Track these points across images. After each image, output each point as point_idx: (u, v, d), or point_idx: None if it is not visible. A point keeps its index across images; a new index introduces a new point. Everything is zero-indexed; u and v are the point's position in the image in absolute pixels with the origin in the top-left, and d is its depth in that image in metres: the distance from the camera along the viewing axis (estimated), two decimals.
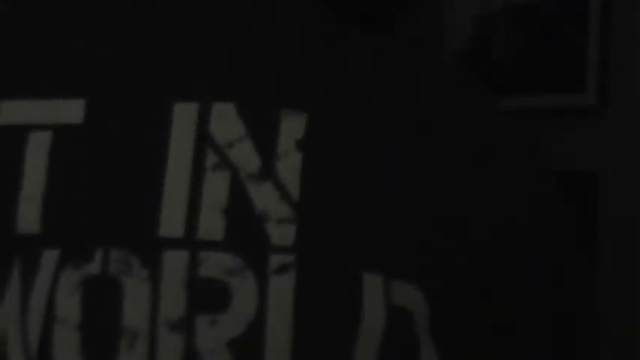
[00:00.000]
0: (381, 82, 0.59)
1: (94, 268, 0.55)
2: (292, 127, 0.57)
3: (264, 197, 0.56)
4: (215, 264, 0.55)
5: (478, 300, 0.58)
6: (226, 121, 0.57)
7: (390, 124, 0.58)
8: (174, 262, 0.55)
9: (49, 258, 0.55)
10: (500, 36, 2.49)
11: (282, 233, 0.55)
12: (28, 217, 0.56)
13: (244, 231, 0.55)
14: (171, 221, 0.55)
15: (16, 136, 0.57)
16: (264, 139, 0.56)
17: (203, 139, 0.56)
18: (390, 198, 0.56)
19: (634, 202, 2.26)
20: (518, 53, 2.44)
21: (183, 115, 0.57)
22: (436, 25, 2.65)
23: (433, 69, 0.61)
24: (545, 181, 0.61)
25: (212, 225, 0.55)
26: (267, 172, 0.56)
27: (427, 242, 0.56)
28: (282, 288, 0.54)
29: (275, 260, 0.55)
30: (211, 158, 0.56)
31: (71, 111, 0.58)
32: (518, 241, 0.59)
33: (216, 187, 0.56)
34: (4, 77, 0.60)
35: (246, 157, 0.56)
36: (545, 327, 0.59)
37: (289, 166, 0.56)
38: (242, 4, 0.61)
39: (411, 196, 0.57)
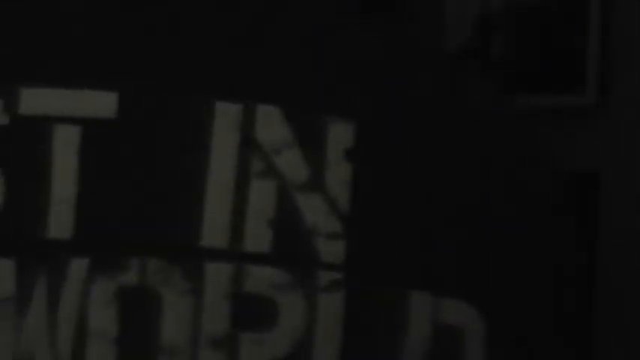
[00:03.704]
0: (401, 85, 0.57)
1: (130, 278, 0.52)
2: (340, 135, 0.54)
3: (313, 210, 0.53)
4: (261, 278, 0.52)
5: (518, 311, 0.56)
6: (273, 126, 0.54)
7: (415, 130, 0.56)
8: (218, 274, 0.52)
9: (79, 266, 0.52)
10: (500, 36, 2.49)
11: (331, 249, 0.53)
12: (61, 221, 0.52)
13: (292, 245, 0.52)
14: (214, 230, 0.52)
15: (40, 129, 0.53)
16: (312, 147, 0.54)
17: (248, 143, 0.53)
18: (434, 213, 0.55)
19: (634, 202, 2.26)
20: (519, 53, 2.44)
21: (227, 116, 0.53)
22: (436, 25, 2.64)
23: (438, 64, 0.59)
24: (549, 185, 0.60)
25: (258, 237, 0.52)
26: (316, 182, 0.53)
27: (479, 257, 0.55)
28: (332, 306, 0.52)
29: (324, 277, 0.52)
30: (257, 164, 0.53)
31: (103, 103, 0.53)
32: (527, 247, 0.57)
33: (262, 196, 0.53)
34: (23, 59, 0.55)
35: (294, 165, 0.53)
36: (551, 331, 0.58)
37: (338, 177, 0.53)
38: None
39: (452, 210, 0.55)
